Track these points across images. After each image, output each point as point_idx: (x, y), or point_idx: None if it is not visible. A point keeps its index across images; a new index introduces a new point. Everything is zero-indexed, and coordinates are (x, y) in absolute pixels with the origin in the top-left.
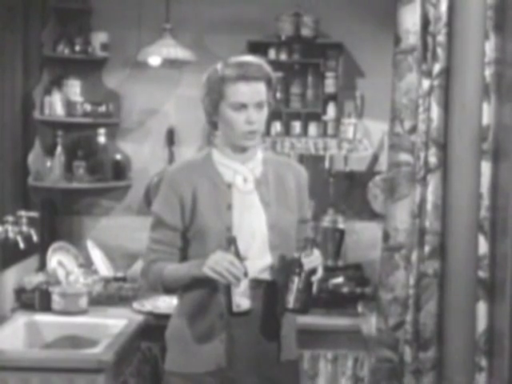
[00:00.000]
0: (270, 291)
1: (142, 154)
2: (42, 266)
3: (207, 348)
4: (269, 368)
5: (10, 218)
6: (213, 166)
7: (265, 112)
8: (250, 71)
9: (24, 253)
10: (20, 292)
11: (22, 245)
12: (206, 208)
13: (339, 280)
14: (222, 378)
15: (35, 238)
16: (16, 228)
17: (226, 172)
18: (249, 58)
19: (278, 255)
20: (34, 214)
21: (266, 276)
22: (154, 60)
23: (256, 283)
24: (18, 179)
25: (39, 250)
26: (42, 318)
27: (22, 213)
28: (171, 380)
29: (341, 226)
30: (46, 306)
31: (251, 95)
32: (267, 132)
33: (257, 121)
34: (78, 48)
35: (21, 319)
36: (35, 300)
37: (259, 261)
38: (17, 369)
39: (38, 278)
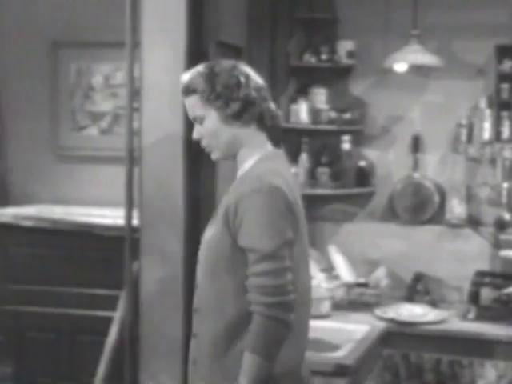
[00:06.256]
0: None
1: (386, 160)
2: None
3: None
4: None
5: None
6: None
7: (206, 125)
8: (181, 88)
9: None
10: None
11: None
12: None
13: None
14: None
15: None
16: None
17: None
18: (185, 73)
19: None
20: None
21: None
22: (400, 66)
23: None
24: None
25: None
26: None
27: None
28: None
29: None
30: None
31: (188, 111)
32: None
33: (199, 135)
34: (324, 57)
35: None
36: None
37: None
38: None
39: None
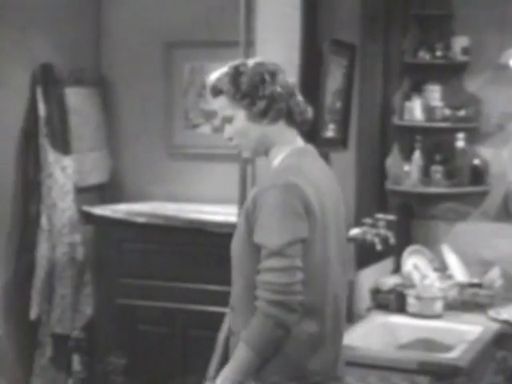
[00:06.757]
0: None
1: (501, 158)
2: (397, 269)
3: None
4: None
5: (368, 221)
6: None
7: (235, 125)
8: (208, 90)
9: (380, 254)
10: (375, 292)
11: (379, 246)
12: None
13: None
14: None
15: (392, 240)
16: (373, 230)
17: None
18: (211, 74)
19: None
20: (391, 217)
21: None
22: None
23: None
24: (375, 183)
25: (395, 252)
26: (396, 319)
27: (380, 215)
28: None
29: None
30: (400, 308)
31: (217, 112)
32: None
33: (229, 136)
34: (438, 53)
35: (376, 319)
36: (390, 301)
37: None
38: (374, 367)
39: (393, 280)
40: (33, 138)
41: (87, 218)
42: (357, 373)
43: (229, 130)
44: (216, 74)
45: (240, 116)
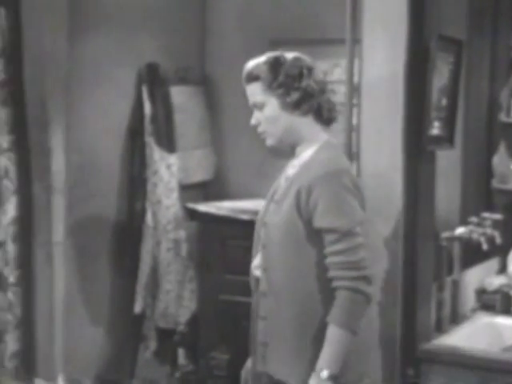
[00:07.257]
0: None
1: None
2: (503, 269)
3: None
4: None
5: (474, 219)
6: None
7: (266, 112)
8: (244, 75)
9: (486, 254)
10: (481, 293)
11: (485, 246)
12: None
13: None
14: None
15: (498, 240)
16: (479, 229)
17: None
18: (250, 61)
19: None
20: (497, 216)
21: None
22: None
23: None
24: (481, 181)
25: (501, 252)
26: (502, 320)
27: (486, 214)
28: None
29: None
30: (506, 309)
31: (249, 98)
32: None
33: (256, 122)
34: None
35: (481, 320)
36: (496, 302)
37: None
38: (478, 368)
39: (498, 281)
40: (138, 136)
41: (192, 214)
42: (461, 373)
43: (257, 115)
44: (254, 61)
45: (272, 103)
